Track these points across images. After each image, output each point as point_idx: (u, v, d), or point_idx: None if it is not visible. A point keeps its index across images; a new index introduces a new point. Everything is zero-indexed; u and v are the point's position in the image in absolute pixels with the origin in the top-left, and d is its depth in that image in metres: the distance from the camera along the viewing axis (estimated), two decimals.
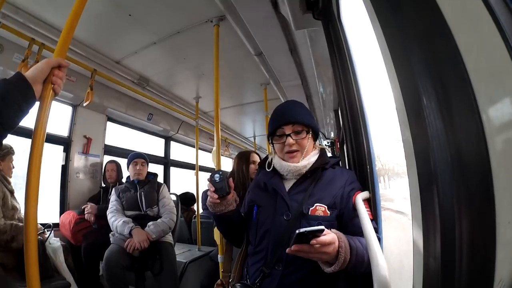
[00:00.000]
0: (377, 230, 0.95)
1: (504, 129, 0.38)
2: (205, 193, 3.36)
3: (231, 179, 1.04)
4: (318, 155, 1.14)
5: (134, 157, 2.67)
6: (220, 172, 1.02)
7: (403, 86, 0.55)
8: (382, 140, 1.13)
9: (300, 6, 1.66)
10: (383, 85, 0.69)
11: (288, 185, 1.10)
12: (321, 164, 1.10)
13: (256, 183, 1.22)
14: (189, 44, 2.64)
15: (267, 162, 1.17)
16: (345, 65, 1.29)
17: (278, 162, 1.12)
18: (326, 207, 1.00)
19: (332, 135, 5.15)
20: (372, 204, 1.08)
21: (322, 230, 0.77)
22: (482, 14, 0.39)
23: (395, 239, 1.00)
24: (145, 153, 2.79)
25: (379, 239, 0.91)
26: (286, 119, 1.09)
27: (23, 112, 0.89)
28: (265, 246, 1.03)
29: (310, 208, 1.00)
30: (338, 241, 0.82)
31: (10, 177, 2.19)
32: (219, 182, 1.01)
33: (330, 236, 0.80)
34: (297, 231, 0.73)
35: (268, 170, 1.15)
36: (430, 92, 0.47)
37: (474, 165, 0.40)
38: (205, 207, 3.61)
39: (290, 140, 1.07)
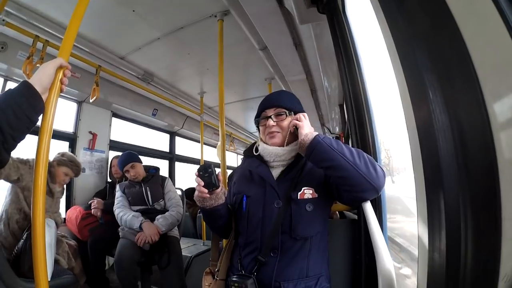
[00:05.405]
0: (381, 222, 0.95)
1: (510, 123, 0.38)
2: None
3: (219, 173, 1.04)
4: None
5: (122, 166, 2.56)
6: (209, 166, 1.02)
7: (409, 80, 0.54)
8: (387, 134, 1.12)
9: (304, 0, 1.64)
10: (389, 79, 0.69)
11: (275, 173, 1.12)
12: None
13: (241, 172, 1.22)
14: (193, 39, 2.63)
15: (254, 147, 1.19)
16: (350, 59, 1.28)
17: (262, 147, 1.14)
18: (313, 189, 1.04)
19: (337, 130, 5.12)
20: (377, 198, 1.08)
21: None
22: (488, 8, 0.38)
23: None
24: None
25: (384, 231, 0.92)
26: (269, 103, 1.14)
27: (34, 123, 0.92)
28: (258, 235, 1.04)
29: (299, 193, 1.03)
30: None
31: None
32: (208, 176, 1.01)
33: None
34: None
35: (254, 156, 1.17)
36: (436, 86, 0.47)
37: (480, 159, 0.40)
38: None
39: (270, 121, 1.11)
